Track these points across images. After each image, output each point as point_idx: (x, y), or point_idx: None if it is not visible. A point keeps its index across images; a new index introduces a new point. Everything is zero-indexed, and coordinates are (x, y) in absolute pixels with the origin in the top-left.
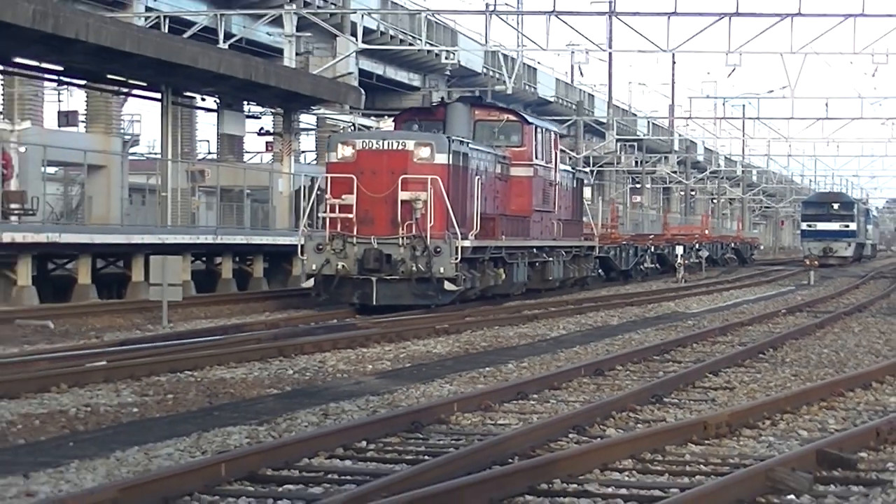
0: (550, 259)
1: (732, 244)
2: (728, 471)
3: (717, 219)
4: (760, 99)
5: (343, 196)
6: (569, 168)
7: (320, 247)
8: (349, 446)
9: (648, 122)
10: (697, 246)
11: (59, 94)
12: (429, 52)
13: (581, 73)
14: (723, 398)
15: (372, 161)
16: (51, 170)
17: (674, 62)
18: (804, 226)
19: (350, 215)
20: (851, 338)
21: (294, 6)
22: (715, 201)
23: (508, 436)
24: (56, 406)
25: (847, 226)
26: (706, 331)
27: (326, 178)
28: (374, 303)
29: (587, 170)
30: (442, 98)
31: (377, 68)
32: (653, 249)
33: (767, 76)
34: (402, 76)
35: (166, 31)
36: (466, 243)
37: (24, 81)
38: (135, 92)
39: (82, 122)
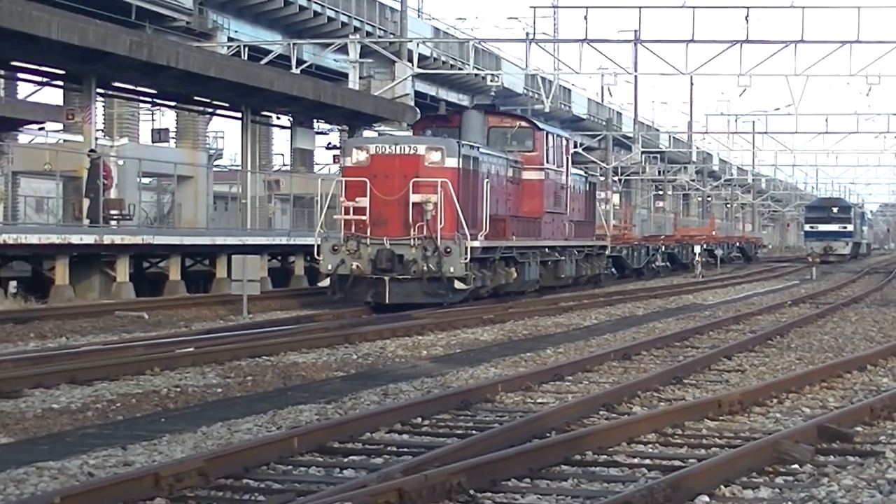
0: (563, 258)
1: (738, 243)
2: (740, 443)
3: (730, 221)
4: (768, 116)
5: (357, 199)
6: (581, 172)
7: (336, 248)
8: (406, 422)
9: (669, 136)
10: (705, 245)
11: (152, 113)
12: (476, 75)
13: (610, 94)
14: (735, 379)
15: (385, 165)
16: (145, 180)
17: (692, 83)
18: (807, 227)
19: (363, 217)
20: (849, 326)
21: (358, 36)
22: (729, 206)
23: (546, 413)
24: (150, 387)
25: (845, 227)
26: (721, 320)
27: (341, 181)
28: (387, 301)
29: (598, 174)
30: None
31: (430, 90)
32: (664, 249)
33: (774, 96)
34: (452, 97)
35: (246, 58)
36: (476, 244)
37: (122, 103)
38: (218, 112)
39: (173, 138)
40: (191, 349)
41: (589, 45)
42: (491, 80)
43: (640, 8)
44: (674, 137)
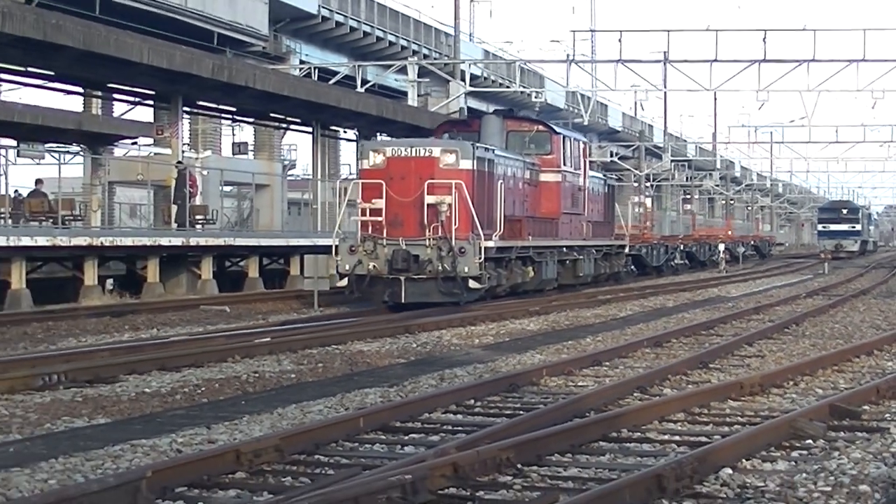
0: (581, 257)
1: (752, 242)
2: (759, 421)
3: (750, 222)
4: (784, 127)
5: (373, 200)
6: (600, 175)
7: (353, 248)
8: (460, 403)
9: (696, 146)
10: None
11: (232, 129)
12: (522, 92)
13: (642, 108)
14: (755, 364)
15: (401, 167)
16: (227, 188)
17: (715, 99)
18: (820, 227)
19: (379, 218)
20: (857, 315)
21: (416, 58)
22: (749, 208)
23: (586, 395)
24: (231, 373)
25: (854, 227)
26: (742, 311)
27: (359, 183)
28: (403, 301)
29: (616, 177)
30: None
31: (481, 106)
32: (682, 248)
33: (789, 109)
34: None
35: (316, 79)
36: (490, 244)
37: (205, 119)
38: (292, 127)
39: (251, 150)
40: (268, 339)
41: (623, 65)
42: (535, 97)
43: (668, 31)
44: (700, 147)
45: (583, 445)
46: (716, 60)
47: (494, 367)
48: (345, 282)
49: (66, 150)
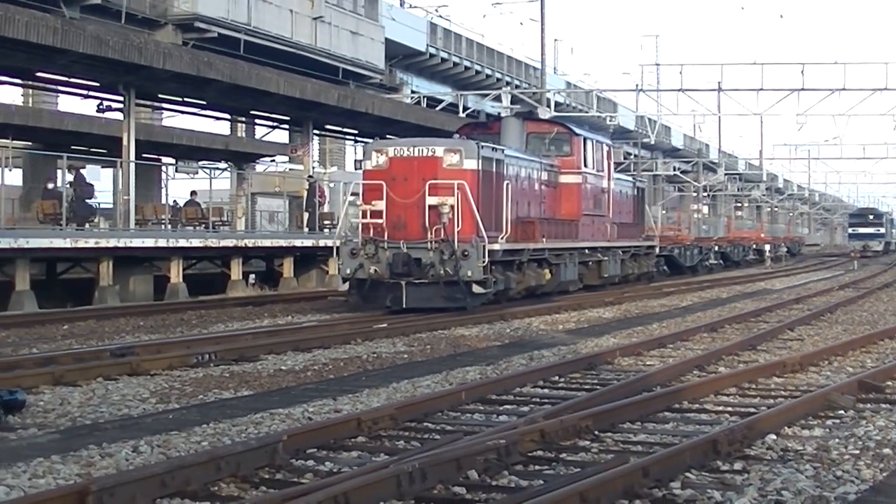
0: (605, 258)
1: (783, 244)
2: (799, 395)
3: (792, 226)
4: (820, 146)
5: (374, 202)
6: (628, 178)
7: (354, 252)
8: (546, 379)
9: (745, 161)
10: (755, 245)
11: (354, 148)
12: (598, 117)
13: (700, 129)
14: (796, 346)
15: (403, 168)
16: (350, 197)
17: (762, 121)
18: (850, 230)
19: (380, 221)
20: (882, 305)
21: (509, 88)
22: (791, 214)
23: (652, 372)
24: (354, 353)
25: (879, 230)
26: (785, 301)
27: (361, 184)
28: (405, 306)
29: (644, 179)
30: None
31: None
32: (716, 249)
33: (824, 130)
34: None
35: (424, 105)
36: (496, 247)
37: (332, 140)
38: None
39: None
40: (384, 325)
41: (684, 93)
42: (609, 121)
43: (721, 65)
44: (748, 162)
45: (650, 415)
46: (762, 89)
47: (575, 348)
48: (346, 286)
49: (216, 166)
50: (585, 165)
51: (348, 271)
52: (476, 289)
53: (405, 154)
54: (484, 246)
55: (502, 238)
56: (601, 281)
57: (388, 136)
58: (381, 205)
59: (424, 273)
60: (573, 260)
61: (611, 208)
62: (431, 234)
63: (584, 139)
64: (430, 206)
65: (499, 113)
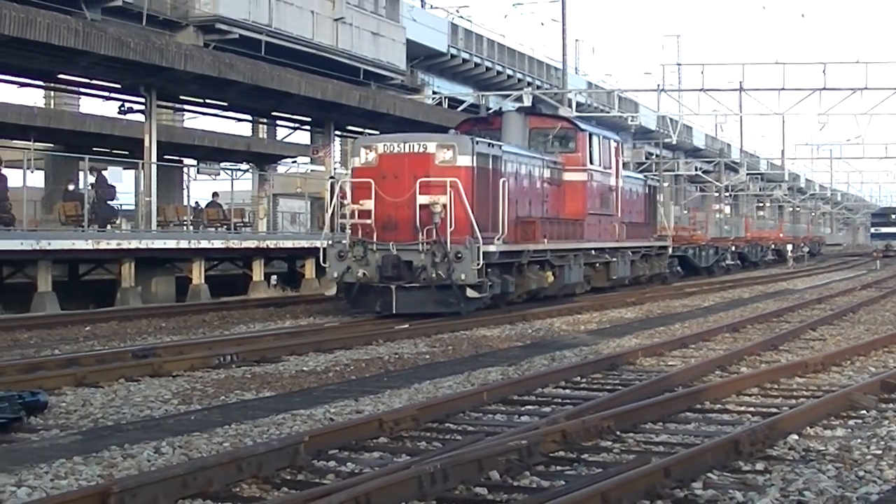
0: (614, 259)
1: (802, 244)
2: (821, 395)
3: (812, 225)
4: (842, 145)
5: (362, 201)
6: (639, 176)
7: (342, 254)
8: (568, 380)
9: (767, 161)
10: (773, 245)
11: None
12: (619, 117)
13: (721, 129)
14: (818, 346)
15: (394, 165)
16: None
17: (783, 121)
18: (872, 230)
19: (369, 221)
20: None
21: (530, 89)
22: (813, 213)
23: (674, 373)
24: (375, 354)
25: None
26: (807, 301)
27: (347, 183)
28: (394, 311)
29: (657, 177)
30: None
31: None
32: (733, 249)
33: (846, 129)
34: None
35: (446, 106)
36: (492, 248)
37: (353, 141)
38: None
39: None
40: (406, 326)
41: (705, 93)
42: (631, 121)
43: (743, 64)
44: (770, 162)
45: (672, 415)
46: (783, 89)
47: (597, 349)
48: (334, 290)
49: (238, 167)
50: (591, 162)
51: (335, 275)
52: (470, 293)
53: (395, 150)
54: (479, 247)
55: (499, 239)
56: (610, 283)
57: None
58: (369, 204)
59: (416, 276)
60: (578, 261)
61: (619, 207)
62: (423, 235)
63: (590, 135)
64: (421, 206)
65: (500, 107)
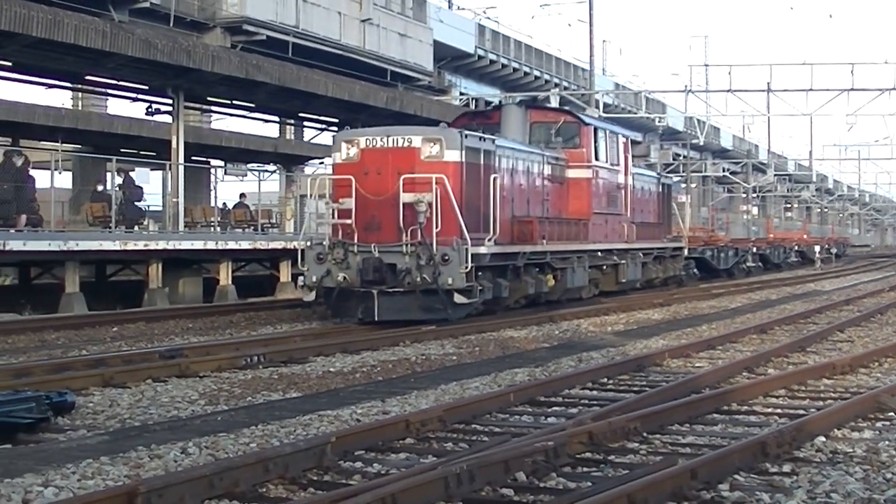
0: (623, 261)
1: (827, 245)
2: (849, 396)
3: (837, 226)
4: (870, 146)
5: (342, 200)
6: (652, 173)
7: (321, 256)
8: (595, 381)
9: (795, 162)
10: (797, 247)
11: None
12: (647, 118)
13: (749, 130)
14: (846, 348)
15: (377, 160)
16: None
17: (811, 122)
18: None
19: (349, 221)
20: None
21: (557, 90)
22: (841, 215)
23: (701, 374)
24: (402, 355)
25: None
26: (835, 302)
27: (326, 181)
28: (376, 318)
29: (672, 175)
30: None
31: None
32: (754, 251)
33: (874, 130)
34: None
35: (473, 107)
36: (482, 250)
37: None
38: None
39: None
40: (433, 327)
41: (733, 94)
42: (658, 122)
43: (771, 65)
44: (798, 163)
45: (698, 417)
46: (811, 90)
47: (624, 350)
48: (312, 295)
49: (265, 168)
50: (597, 158)
51: (314, 279)
52: (458, 298)
53: (378, 145)
54: (467, 249)
55: (490, 240)
56: (618, 287)
57: None
58: (350, 203)
59: (399, 280)
60: (583, 264)
61: (628, 206)
62: (407, 235)
63: (595, 129)
64: (404, 204)
65: (499, 100)
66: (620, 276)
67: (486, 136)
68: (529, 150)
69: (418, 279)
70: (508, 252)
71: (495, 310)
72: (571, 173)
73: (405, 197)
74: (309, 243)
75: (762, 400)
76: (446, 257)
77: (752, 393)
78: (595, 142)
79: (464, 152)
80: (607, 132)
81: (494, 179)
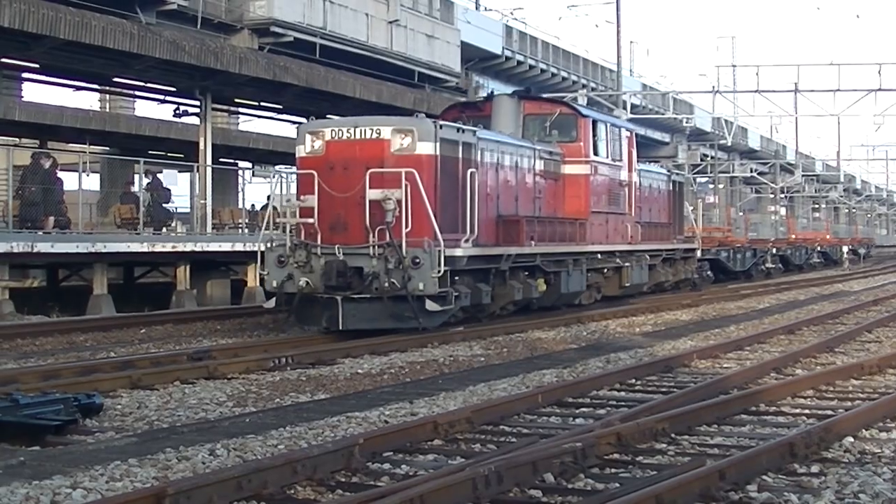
0: (627, 264)
1: (849, 246)
2: (877, 397)
3: (868, 227)
4: None
5: (304, 197)
6: (661, 170)
7: (282, 259)
8: (623, 382)
9: (822, 162)
10: (819, 248)
11: None
12: (674, 118)
13: (776, 131)
14: (874, 348)
15: (343, 154)
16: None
17: (839, 122)
18: None
19: (311, 220)
20: None
21: (585, 91)
22: (869, 215)
23: (729, 375)
24: (430, 357)
25: None
26: (863, 303)
27: (285, 177)
28: (341, 327)
29: (684, 174)
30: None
31: (639, 130)
32: (774, 251)
33: None
34: (656, 135)
35: None
36: (458, 252)
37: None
38: None
39: None
40: (461, 328)
41: (760, 95)
42: (686, 122)
43: (798, 65)
44: (826, 164)
45: (726, 418)
46: (839, 90)
47: (652, 351)
48: (272, 302)
49: (293, 170)
50: (596, 153)
51: (275, 283)
52: (430, 305)
53: (344, 137)
54: (440, 251)
55: (468, 241)
56: (622, 291)
57: None
58: (312, 200)
59: (366, 286)
60: (579, 267)
61: (633, 205)
62: (374, 236)
63: (594, 121)
64: (371, 202)
65: (491, 91)
66: (624, 279)
67: (465, 127)
68: (518, 144)
69: (386, 284)
70: (490, 255)
71: (479, 317)
72: (567, 169)
73: (372, 194)
74: (269, 244)
75: (790, 400)
76: (417, 260)
77: (781, 393)
78: (594, 135)
79: (438, 144)
80: (608, 125)
81: (472, 174)
